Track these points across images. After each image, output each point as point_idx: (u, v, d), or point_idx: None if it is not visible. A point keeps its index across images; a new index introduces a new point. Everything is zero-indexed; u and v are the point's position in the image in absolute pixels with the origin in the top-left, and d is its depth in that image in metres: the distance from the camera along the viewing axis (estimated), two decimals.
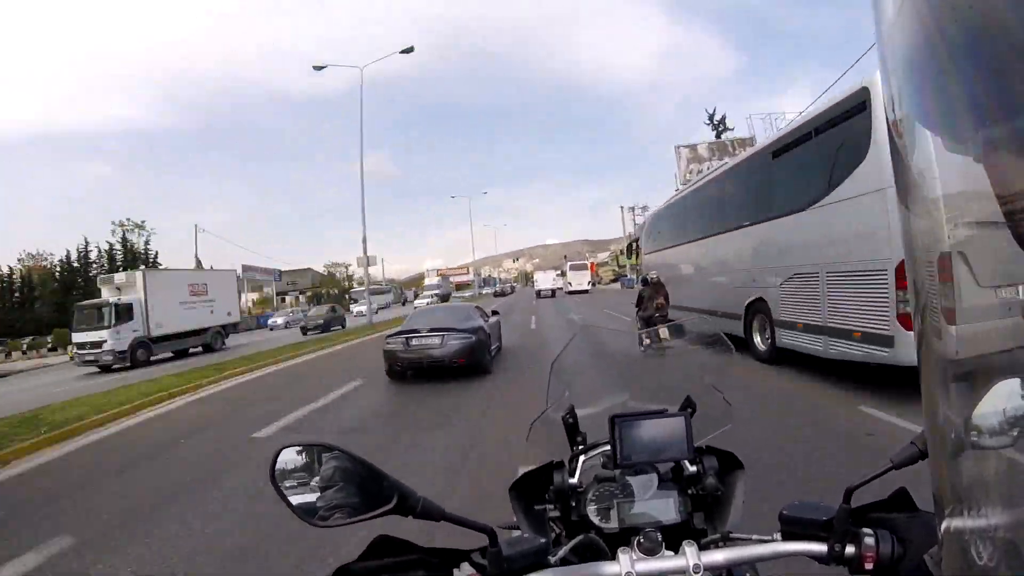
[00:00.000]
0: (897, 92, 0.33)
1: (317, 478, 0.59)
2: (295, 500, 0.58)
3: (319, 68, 17.56)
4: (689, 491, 0.80)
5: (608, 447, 0.79)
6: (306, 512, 0.57)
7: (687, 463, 0.80)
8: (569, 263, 41.92)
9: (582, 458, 0.86)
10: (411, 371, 6.52)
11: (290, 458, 0.60)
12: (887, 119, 0.34)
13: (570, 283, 37.54)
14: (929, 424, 0.34)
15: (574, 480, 0.82)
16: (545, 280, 39.81)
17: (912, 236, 0.33)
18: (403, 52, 17.54)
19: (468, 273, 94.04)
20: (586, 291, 35.99)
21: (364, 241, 17.49)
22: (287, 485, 0.59)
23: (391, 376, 6.68)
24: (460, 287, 66.26)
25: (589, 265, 43.22)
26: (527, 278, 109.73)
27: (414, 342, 6.50)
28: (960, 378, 0.32)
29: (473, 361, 6.41)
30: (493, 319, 8.75)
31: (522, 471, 0.85)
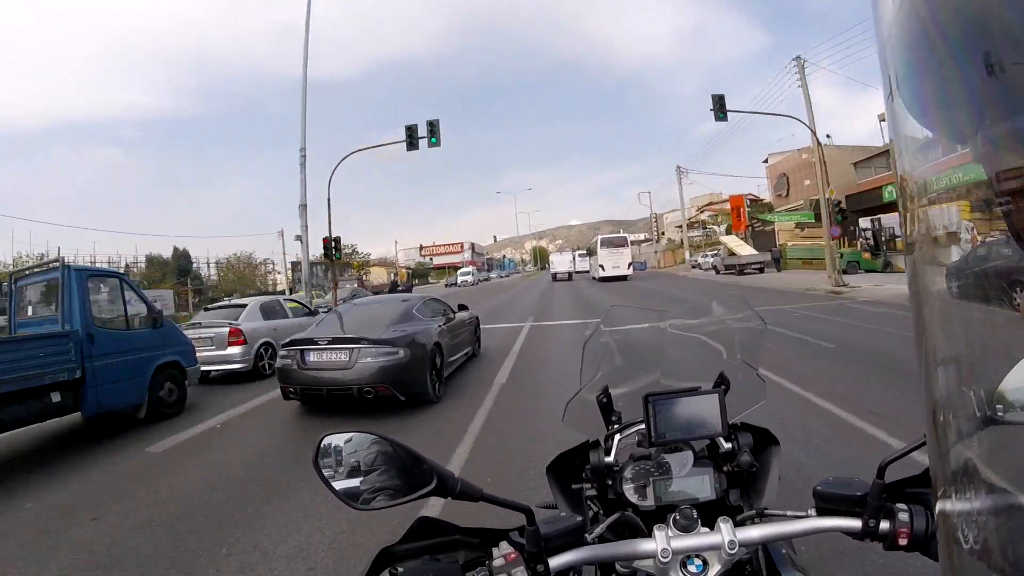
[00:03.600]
0: (897, 92, 0.41)
1: (359, 464, 0.76)
2: (338, 486, 0.75)
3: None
4: (724, 468, 1.00)
5: (643, 425, 0.99)
6: (349, 496, 0.74)
7: (722, 440, 1.01)
8: (600, 238, 38.27)
9: (617, 437, 1.08)
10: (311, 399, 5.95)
11: (332, 446, 0.77)
12: (888, 118, 0.42)
13: (602, 266, 34.65)
14: (927, 406, 0.43)
15: (610, 459, 1.04)
16: (561, 262, 45.46)
17: (913, 232, 0.42)
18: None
19: (461, 252, 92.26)
20: (624, 277, 33.56)
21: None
22: (330, 472, 0.76)
23: (287, 399, 6.16)
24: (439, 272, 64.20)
25: (628, 241, 38.35)
26: (543, 258, 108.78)
27: (311, 358, 5.77)
28: (956, 364, 0.40)
29: (402, 388, 5.65)
30: (460, 316, 8.02)
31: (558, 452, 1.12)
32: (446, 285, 50.02)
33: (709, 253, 40.48)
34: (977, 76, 0.33)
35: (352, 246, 66.41)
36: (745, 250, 33.87)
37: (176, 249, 50.75)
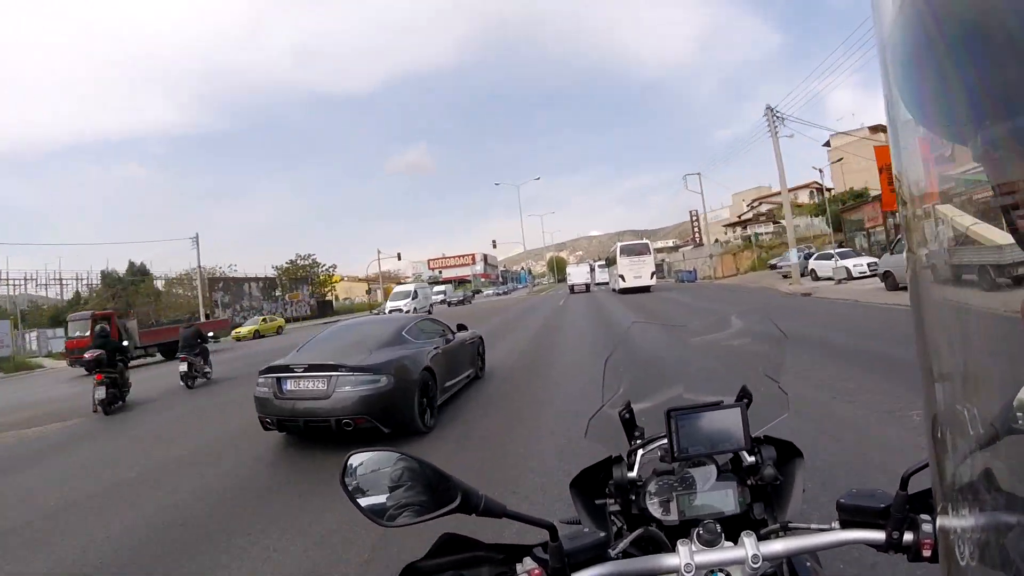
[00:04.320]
0: (897, 92, 0.43)
1: (385, 481, 0.80)
2: (364, 503, 0.80)
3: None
4: (748, 482, 1.05)
5: (665, 440, 1.02)
6: (375, 513, 0.79)
7: (745, 454, 1.05)
8: (619, 245, 35.75)
9: (640, 452, 1.13)
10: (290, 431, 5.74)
11: (358, 464, 0.82)
12: (887, 118, 0.45)
13: (622, 276, 32.80)
14: (926, 420, 0.45)
15: (633, 474, 1.07)
16: (579, 274, 47.36)
17: (913, 234, 0.44)
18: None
19: (472, 264, 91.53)
20: (647, 288, 31.94)
21: None
22: (356, 489, 0.81)
23: (266, 430, 5.98)
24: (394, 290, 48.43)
25: (650, 248, 35.35)
26: (560, 270, 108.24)
27: (288, 386, 5.60)
28: (958, 375, 0.42)
29: (385, 419, 5.43)
30: (460, 336, 7.89)
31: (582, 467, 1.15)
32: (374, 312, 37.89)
33: (835, 251, 24.62)
34: (977, 76, 0.35)
35: (310, 256, 55.60)
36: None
37: (132, 264, 43.13)
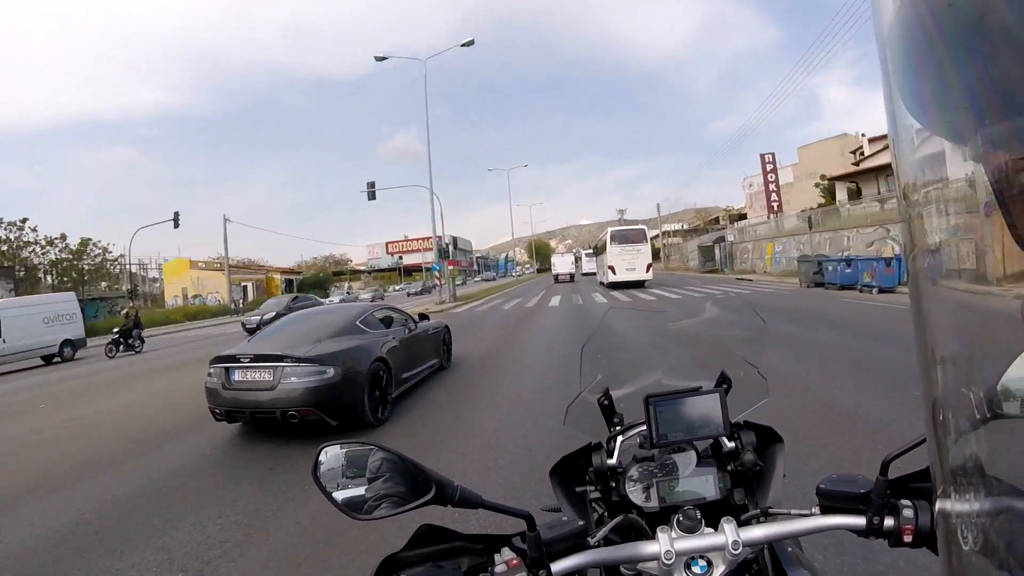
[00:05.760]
0: (897, 92, 0.45)
1: (358, 473, 0.84)
2: (338, 496, 0.83)
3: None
4: (728, 467, 1.09)
5: (645, 427, 1.07)
6: (349, 507, 0.82)
7: (725, 439, 1.10)
8: (611, 231, 31.99)
9: (620, 439, 1.19)
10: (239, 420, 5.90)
11: (331, 456, 0.86)
12: (887, 117, 0.47)
13: (611, 268, 29.73)
14: (926, 404, 0.47)
15: (613, 461, 1.13)
16: (563, 263, 52.41)
17: (913, 232, 0.47)
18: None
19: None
20: (641, 283, 28.87)
21: None
22: (329, 482, 0.84)
23: (217, 421, 6.12)
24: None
25: (646, 235, 31.74)
26: (541, 256, 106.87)
27: (236, 376, 5.79)
28: (955, 362, 0.44)
29: (332, 412, 5.58)
30: (423, 325, 8.23)
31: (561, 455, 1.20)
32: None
33: None
34: (977, 76, 0.37)
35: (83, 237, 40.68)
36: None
37: None
